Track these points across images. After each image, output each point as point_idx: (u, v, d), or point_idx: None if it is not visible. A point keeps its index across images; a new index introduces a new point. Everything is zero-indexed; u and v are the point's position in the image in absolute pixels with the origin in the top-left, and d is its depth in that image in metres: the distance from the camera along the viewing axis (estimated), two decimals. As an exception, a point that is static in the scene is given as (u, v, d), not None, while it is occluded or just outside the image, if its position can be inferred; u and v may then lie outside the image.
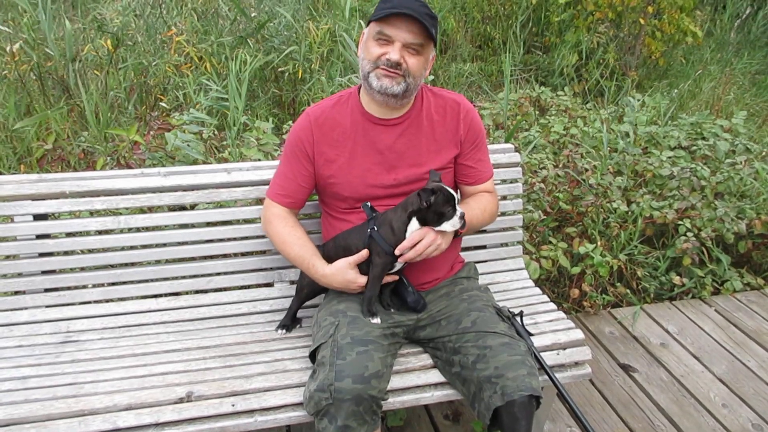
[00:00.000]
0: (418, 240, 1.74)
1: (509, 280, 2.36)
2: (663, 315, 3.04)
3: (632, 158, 3.65)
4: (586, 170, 3.47)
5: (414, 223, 1.75)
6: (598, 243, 3.11)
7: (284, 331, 2.02)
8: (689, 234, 3.14)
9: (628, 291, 3.17)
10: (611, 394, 2.50)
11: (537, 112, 4.41)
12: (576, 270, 3.01)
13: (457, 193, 1.84)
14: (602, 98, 5.36)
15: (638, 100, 4.77)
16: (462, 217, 1.76)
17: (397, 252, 1.75)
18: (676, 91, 5.35)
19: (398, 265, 1.82)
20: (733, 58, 6.62)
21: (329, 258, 1.87)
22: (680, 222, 3.19)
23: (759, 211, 3.31)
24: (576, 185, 3.39)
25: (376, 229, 1.78)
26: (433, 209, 1.72)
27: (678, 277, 3.19)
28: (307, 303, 2.06)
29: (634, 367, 2.66)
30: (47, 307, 2.07)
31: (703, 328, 2.95)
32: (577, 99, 4.97)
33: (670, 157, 3.68)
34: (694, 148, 3.84)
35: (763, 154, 3.89)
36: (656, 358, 2.73)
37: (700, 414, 2.40)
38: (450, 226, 1.75)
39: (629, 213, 3.29)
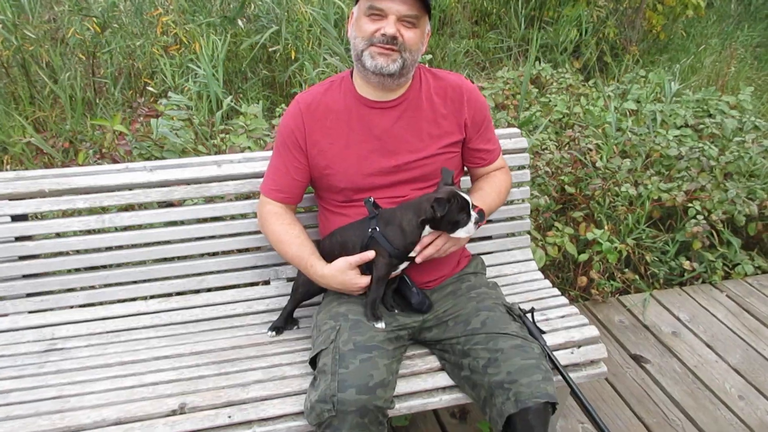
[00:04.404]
0: (432, 240, 1.69)
1: (517, 272, 2.25)
2: (673, 302, 2.94)
3: (638, 138, 3.52)
4: (590, 150, 3.34)
5: (428, 230, 1.66)
6: (606, 228, 3.00)
7: (274, 333, 1.91)
8: (699, 217, 3.03)
9: (637, 276, 3.07)
10: (623, 387, 2.41)
11: (536, 90, 4.27)
12: (584, 257, 2.89)
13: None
14: (602, 74, 5.20)
15: (641, 76, 4.63)
16: (477, 222, 1.65)
17: (419, 260, 1.68)
18: (678, 66, 5.20)
19: (402, 266, 1.71)
20: (733, 30, 6.46)
21: (326, 255, 1.75)
22: (690, 204, 3.07)
23: (770, 192, 3.20)
24: (581, 166, 3.27)
25: (377, 229, 1.66)
26: (447, 218, 1.60)
27: (688, 262, 3.08)
28: (306, 302, 1.95)
29: (646, 358, 2.57)
30: (30, 312, 1.95)
31: (715, 314, 2.85)
32: (578, 76, 4.82)
33: (676, 136, 3.56)
34: (701, 126, 3.71)
35: (772, 131, 3.77)
36: (668, 347, 2.64)
37: (716, 407, 2.32)
38: (465, 233, 1.65)
39: (637, 196, 3.18)
